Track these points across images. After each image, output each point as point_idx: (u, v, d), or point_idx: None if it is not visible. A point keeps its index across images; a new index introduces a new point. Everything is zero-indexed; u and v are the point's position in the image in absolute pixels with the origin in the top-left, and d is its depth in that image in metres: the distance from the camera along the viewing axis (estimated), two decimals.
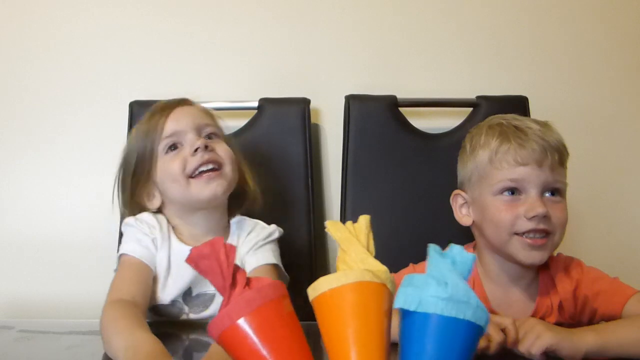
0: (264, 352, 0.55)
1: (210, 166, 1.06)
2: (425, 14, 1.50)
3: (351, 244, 0.59)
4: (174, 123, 1.08)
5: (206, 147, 1.05)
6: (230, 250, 0.59)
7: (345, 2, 1.50)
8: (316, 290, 0.56)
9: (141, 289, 0.98)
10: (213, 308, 1.06)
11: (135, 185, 1.11)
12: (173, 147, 1.07)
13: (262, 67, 1.49)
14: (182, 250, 1.05)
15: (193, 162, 1.05)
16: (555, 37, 1.51)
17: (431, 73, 1.50)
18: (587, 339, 0.84)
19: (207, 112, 1.14)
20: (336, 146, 1.44)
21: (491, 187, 0.99)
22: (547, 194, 0.97)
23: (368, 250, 0.59)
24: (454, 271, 0.55)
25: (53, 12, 1.49)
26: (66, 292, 1.43)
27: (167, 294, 1.05)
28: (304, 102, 1.42)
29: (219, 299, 1.05)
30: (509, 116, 1.04)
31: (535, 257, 0.97)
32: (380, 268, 0.57)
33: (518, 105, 1.40)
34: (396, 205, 1.37)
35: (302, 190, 1.38)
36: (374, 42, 1.50)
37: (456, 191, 1.07)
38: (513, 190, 0.98)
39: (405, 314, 0.54)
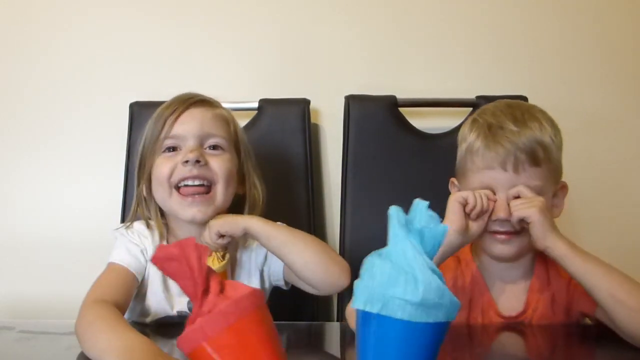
0: None
1: (197, 182, 1.02)
2: (425, 14, 1.50)
3: None
4: (179, 126, 1.04)
5: (198, 161, 1.01)
6: (203, 252, 0.54)
7: (346, 2, 1.50)
8: None
9: (123, 294, 0.97)
10: None
11: (140, 178, 1.09)
12: (172, 148, 1.05)
13: (262, 67, 1.49)
14: None
15: (179, 173, 1.02)
16: (555, 37, 1.51)
17: (431, 73, 1.50)
18: (558, 244, 0.91)
19: (219, 119, 1.08)
20: (336, 146, 1.44)
21: (467, 186, 1.01)
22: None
23: None
24: (423, 258, 0.50)
25: (53, 13, 1.49)
26: (66, 292, 1.42)
27: (170, 305, 1.04)
28: (304, 103, 1.42)
29: None
30: (490, 110, 1.03)
31: (504, 250, 0.99)
32: None
33: None
34: (396, 205, 1.36)
35: (302, 191, 1.38)
36: (374, 42, 1.50)
37: (452, 178, 1.09)
38: None
39: (364, 314, 0.51)
